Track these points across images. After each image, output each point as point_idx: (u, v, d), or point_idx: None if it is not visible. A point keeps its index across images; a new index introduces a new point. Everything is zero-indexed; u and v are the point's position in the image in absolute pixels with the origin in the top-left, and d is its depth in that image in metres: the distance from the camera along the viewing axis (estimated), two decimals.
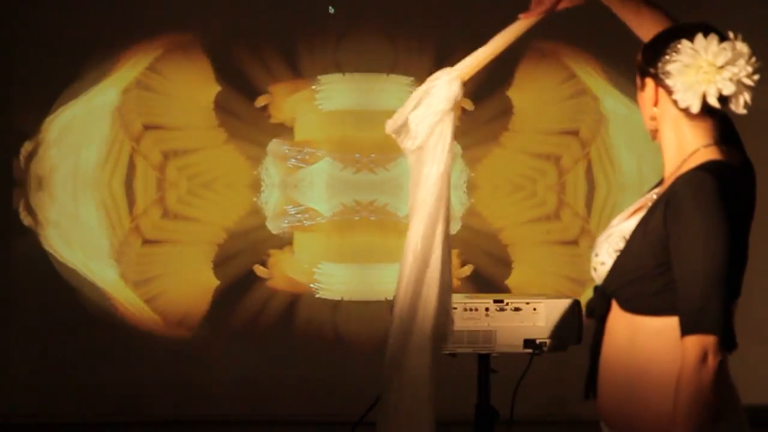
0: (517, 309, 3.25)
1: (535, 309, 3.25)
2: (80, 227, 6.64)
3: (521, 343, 3.24)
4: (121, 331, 6.56)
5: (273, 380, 6.57)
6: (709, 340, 2.20)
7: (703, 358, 2.19)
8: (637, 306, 2.33)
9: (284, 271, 6.70)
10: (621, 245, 2.37)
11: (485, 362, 3.30)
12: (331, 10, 6.65)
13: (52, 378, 6.52)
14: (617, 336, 2.37)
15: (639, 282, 2.32)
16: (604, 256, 2.39)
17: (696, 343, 2.20)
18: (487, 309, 3.22)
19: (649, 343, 2.31)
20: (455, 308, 3.19)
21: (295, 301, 6.68)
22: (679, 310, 2.24)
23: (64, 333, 6.53)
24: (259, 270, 6.64)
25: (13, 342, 6.56)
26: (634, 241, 2.35)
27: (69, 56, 6.56)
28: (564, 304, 3.27)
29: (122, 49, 6.62)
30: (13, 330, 6.56)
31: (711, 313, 2.19)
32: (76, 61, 6.57)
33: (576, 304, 3.36)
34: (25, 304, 6.57)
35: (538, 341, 3.24)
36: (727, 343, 2.22)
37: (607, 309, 2.39)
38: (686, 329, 2.21)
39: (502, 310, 3.24)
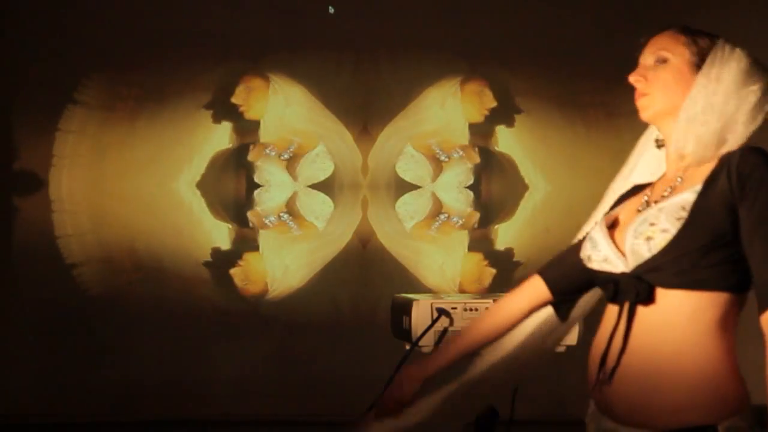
0: None
1: None
2: (80, 227, 6.64)
3: None
4: (121, 330, 6.56)
5: (273, 380, 6.57)
6: None
7: None
8: (687, 280, 2.28)
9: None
10: (683, 214, 2.31)
11: None
12: (331, 10, 6.65)
13: (52, 378, 6.53)
14: (650, 317, 2.31)
15: (696, 253, 2.28)
16: (665, 224, 2.31)
17: None
18: (487, 309, 3.21)
19: (684, 325, 2.28)
20: (455, 308, 3.19)
21: (295, 301, 6.69)
22: (758, 283, 2.23)
23: (64, 333, 6.53)
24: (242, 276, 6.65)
25: (14, 342, 6.56)
26: (697, 211, 2.30)
27: (70, 58, 6.57)
28: None
29: (123, 57, 6.65)
30: (14, 330, 6.56)
31: None
32: (77, 63, 6.59)
33: None
34: (25, 304, 6.57)
35: None
36: None
37: (650, 291, 2.31)
38: None
39: None
